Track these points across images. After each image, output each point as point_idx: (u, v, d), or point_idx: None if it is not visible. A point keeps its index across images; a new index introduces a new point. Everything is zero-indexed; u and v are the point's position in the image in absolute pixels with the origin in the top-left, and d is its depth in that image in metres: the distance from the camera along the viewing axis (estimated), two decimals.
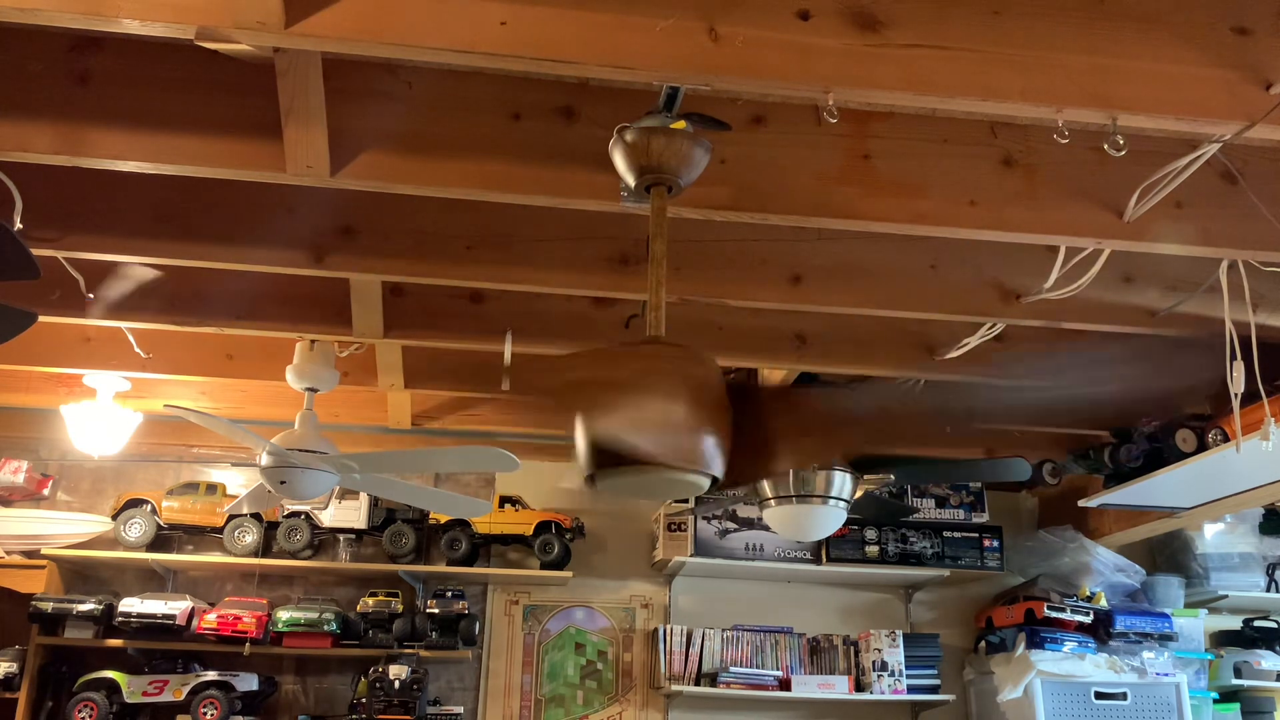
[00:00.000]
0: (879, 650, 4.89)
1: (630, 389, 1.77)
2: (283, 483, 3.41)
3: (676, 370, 1.83)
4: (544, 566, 4.89)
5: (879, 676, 4.85)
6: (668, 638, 4.91)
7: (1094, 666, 4.69)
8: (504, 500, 4.93)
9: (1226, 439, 3.54)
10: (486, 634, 5.02)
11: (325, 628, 4.56)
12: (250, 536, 4.71)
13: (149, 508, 4.69)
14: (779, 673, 4.88)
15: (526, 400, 4.25)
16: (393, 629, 4.64)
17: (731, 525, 4.98)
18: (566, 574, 4.87)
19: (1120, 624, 4.75)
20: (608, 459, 1.79)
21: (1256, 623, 5.23)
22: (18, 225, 2.58)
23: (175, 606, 4.51)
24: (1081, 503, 4.46)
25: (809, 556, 5.02)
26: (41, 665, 4.53)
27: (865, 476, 3.67)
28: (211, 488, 4.80)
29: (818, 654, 5.01)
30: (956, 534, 5.07)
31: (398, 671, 4.49)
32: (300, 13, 1.89)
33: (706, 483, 1.81)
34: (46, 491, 4.92)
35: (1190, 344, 2.98)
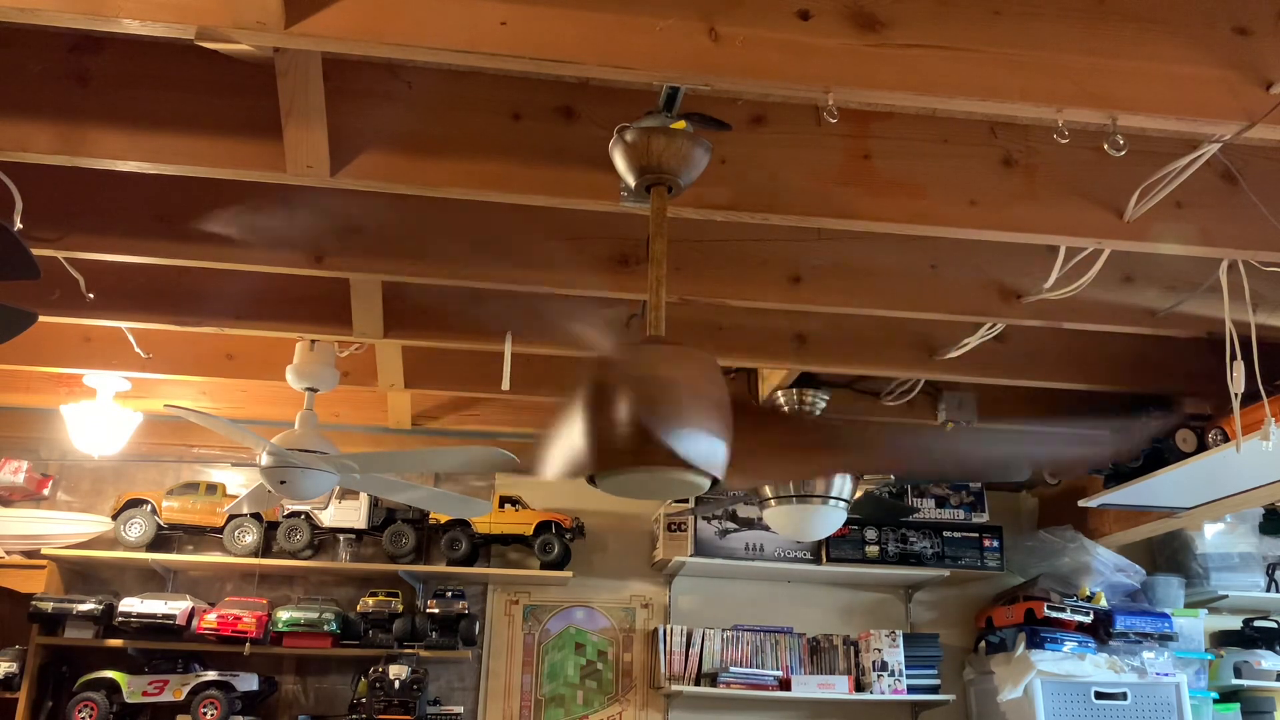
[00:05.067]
0: (879, 650, 4.89)
1: (632, 388, 1.77)
2: (283, 483, 3.41)
3: (679, 369, 1.82)
4: (544, 566, 4.89)
5: (879, 676, 4.84)
6: (668, 638, 4.91)
7: (1094, 666, 4.69)
8: (504, 500, 4.93)
9: (1226, 439, 3.54)
10: (486, 634, 5.02)
11: (325, 628, 4.56)
12: (250, 536, 4.71)
13: (149, 508, 4.69)
14: (779, 673, 4.88)
15: (526, 400, 4.25)
16: (393, 629, 4.64)
17: (731, 525, 4.98)
18: (566, 574, 4.87)
19: (1120, 624, 4.75)
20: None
21: (1256, 623, 5.23)
22: (18, 225, 2.58)
23: (175, 606, 4.51)
24: (1081, 503, 4.46)
25: (809, 556, 5.02)
26: (41, 665, 4.53)
27: (865, 476, 3.67)
28: (211, 488, 4.80)
29: (818, 654, 5.01)
30: (956, 534, 5.07)
31: (398, 671, 4.49)
32: (300, 13, 1.89)
33: (707, 483, 1.81)
34: (46, 491, 4.92)
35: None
